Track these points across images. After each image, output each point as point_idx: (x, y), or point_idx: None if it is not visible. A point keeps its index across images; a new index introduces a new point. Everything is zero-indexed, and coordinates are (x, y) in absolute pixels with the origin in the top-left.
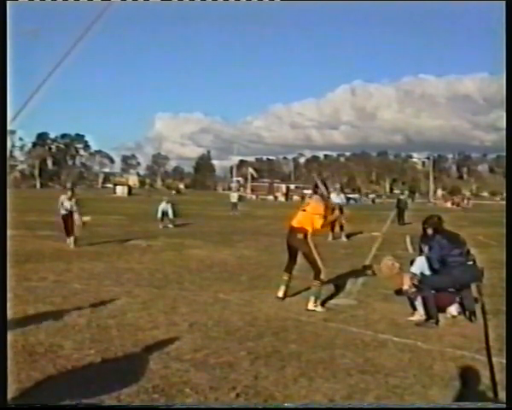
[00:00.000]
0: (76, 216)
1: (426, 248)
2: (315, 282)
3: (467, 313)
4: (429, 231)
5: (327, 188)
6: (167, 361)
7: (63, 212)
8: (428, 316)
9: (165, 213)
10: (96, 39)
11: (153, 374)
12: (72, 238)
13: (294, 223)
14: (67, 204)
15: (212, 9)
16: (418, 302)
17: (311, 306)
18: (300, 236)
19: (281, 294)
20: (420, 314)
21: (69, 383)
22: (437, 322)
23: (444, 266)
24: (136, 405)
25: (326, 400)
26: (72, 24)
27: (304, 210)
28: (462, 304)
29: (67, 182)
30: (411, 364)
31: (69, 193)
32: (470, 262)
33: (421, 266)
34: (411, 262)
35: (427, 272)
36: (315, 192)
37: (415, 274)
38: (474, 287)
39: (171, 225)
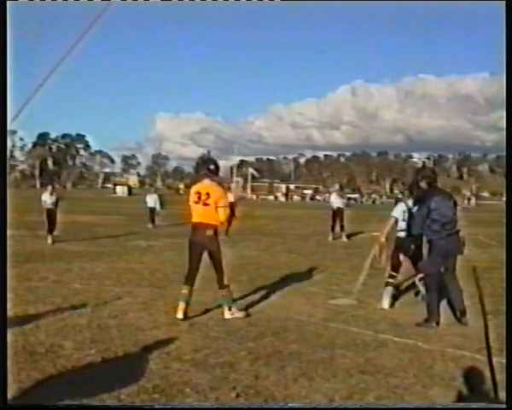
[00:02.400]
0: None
1: (415, 208)
2: (222, 291)
3: (457, 313)
4: (423, 185)
5: (217, 169)
6: (168, 361)
7: (47, 207)
8: (429, 316)
9: (152, 209)
10: (97, 39)
11: (153, 374)
12: (50, 235)
13: (199, 219)
14: (49, 200)
15: (212, 9)
16: (386, 291)
17: (227, 315)
18: (210, 232)
19: (180, 314)
20: (381, 303)
21: (69, 383)
22: (438, 323)
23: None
24: (136, 405)
25: (326, 400)
26: (73, 24)
27: (206, 204)
28: (450, 304)
29: (67, 182)
30: (412, 364)
31: (50, 189)
32: (454, 231)
33: (400, 212)
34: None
35: (402, 224)
36: (207, 175)
37: (395, 218)
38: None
39: (161, 222)
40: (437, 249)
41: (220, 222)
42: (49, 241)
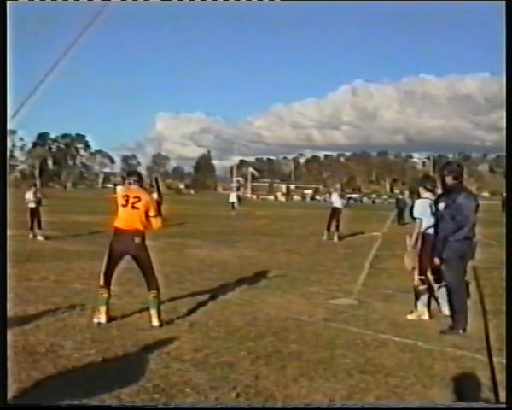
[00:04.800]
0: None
1: (441, 205)
2: (152, 292)
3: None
4: (448, 180)
5: (141, 179)
6: (168, 361)
7: (31, 206)
8: (455, 323)
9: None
10: (97, 39)
11: (153, 374)
12: (40, 232)
13: (125, 224)
14: (33, 199)
15: (212, 9)
16: (421, 301)
17: (155, 322)
18: (138, 240)
19: (103, 319)
20: (417, 315)
21: (69, 383)
22: (464, 330)
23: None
24: (136, 405)
25: (326, 400)
26: (73, 24)
27: (135, 208)
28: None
29: (67, 182)
30: (412, 364)
31: (33, 189)
32: (471, 235)
33: (422, 210)
34: (410, 209)
35: (429, 221)
36: (134, 183)
37: (420, 219)
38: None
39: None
40: (453, 251)
41: (147, 228)
42: (31, 236)
